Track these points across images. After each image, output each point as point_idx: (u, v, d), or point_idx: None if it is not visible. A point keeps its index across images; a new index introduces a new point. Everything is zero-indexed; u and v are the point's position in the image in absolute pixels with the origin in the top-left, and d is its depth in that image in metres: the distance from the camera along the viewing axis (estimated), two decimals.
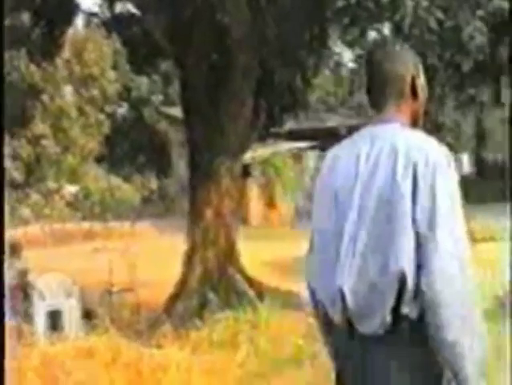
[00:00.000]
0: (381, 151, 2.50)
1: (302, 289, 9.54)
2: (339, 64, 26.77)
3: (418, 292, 2.35)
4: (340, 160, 2.62)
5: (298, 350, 6.36)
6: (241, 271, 9.28)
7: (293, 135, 23.37)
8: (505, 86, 20.34)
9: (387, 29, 10.20)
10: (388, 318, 2.41)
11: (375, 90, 2.66)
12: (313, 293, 2.67)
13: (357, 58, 25.05)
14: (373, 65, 2.66)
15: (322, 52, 11.28)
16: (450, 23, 8.55)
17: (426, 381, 2.42)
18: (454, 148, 29.70)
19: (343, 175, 2.56)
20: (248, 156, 17.67)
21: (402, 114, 2.63)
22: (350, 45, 16.88)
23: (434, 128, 27.49)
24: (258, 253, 13.51)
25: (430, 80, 3.26)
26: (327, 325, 2.64)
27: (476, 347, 2.33)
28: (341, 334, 2.54)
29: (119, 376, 5.76)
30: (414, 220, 2.37)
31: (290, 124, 12.81)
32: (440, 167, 2.42)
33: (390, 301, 2.39)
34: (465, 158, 35.16)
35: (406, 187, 2.40)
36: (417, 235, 2.36)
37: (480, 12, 9.29)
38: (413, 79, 2.65)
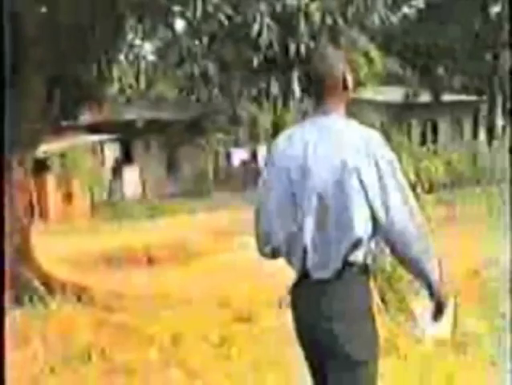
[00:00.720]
0: (327, 138, 3.13)
1: (95, 284, 9.50)
2: (138, 57, 26.66)
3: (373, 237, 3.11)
4: (291, 145, 3.22)
5: (88, 346, 6.37)
6: (35, 267, 9.14)
7: (91, 128, 23.14)
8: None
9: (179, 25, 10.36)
10: (340, 266, 3.09)
11: (314, 88, 3.22)
12: (270, 245, 3.29)
13: (156, 51, 25.11)
14: (310, 67, 3.22)
15: (118, 45, 11.26)
16: (239, 19, 8.80)
17: (365, 313, 3.15)
18: (252, 141, 30.44)
19: (294, 158, 3.18)
20: (44, 150, 17.34)
21: (338, 106, 3.21)
22: (146, 38, 16.93)
23: (232, 121, 28.06)
24: (55, 248, 13.33)
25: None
26: None
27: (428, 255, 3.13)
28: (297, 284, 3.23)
29: None
30: (364, 187, 3.03)
31: (87, 117, 12.70)
32: (379, 144, 3.09)
33: (343, 253, 3.08)
34: (263, 150, 35.96)
35: (355, 164, 3.04)
36: (367, 197, 3.03)
37: (269, 8, 9.62)
38: (344, 75, 3.21)
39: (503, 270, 8.14)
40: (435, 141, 28.49)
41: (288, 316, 3.43)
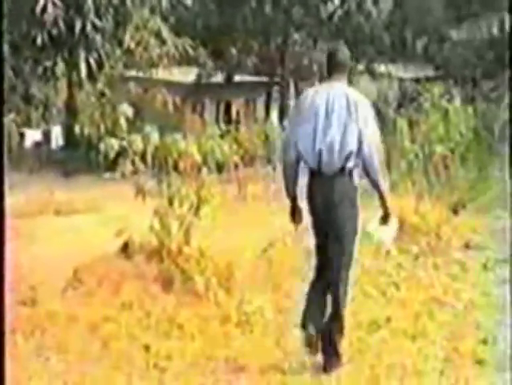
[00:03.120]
0: (339, 91, 5.46)
1: None
2: None
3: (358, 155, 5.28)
4: (317, 94, 5.52)
5: None
6: None
7: None
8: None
9: None
10: (340, 167, 5.29)
11: (329, 66, 5.62)
12: (297, 154, 5.45)
13: None
14: (330, 53, 5.71)
15: None
16: None
17: (353, 200, 5.37)
18: (45, 120, 29.57)
19: (320, 103, 5.41)
20: None
21: (342, 76, 5.61)
22: None
23: (25, 101, 27.06)
24: None
25: None
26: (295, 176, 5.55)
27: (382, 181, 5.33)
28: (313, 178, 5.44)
29: None
30: (357, 133, 5.27)
31: None
32: (370, 109, 5.45)
33: (342, 159, 5.28)
34: (57, 130, 35.05)
35: (352, 110, 5.31)
36: (359, 131, 5.27)
37: None
38: (344, 61, 5.68)
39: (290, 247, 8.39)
40: (229, 121, 28.85)
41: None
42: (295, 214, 5.63)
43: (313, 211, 5.50)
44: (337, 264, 5.36)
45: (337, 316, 5.39)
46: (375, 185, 5.34)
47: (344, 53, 5.69)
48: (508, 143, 11.81)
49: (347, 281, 5.42)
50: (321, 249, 5.50)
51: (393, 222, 5.77)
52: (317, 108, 5.41)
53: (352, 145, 5.27)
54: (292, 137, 5.52)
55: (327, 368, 5.30)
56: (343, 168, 5.30)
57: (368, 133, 5.28)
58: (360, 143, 5.26)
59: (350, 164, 5.29)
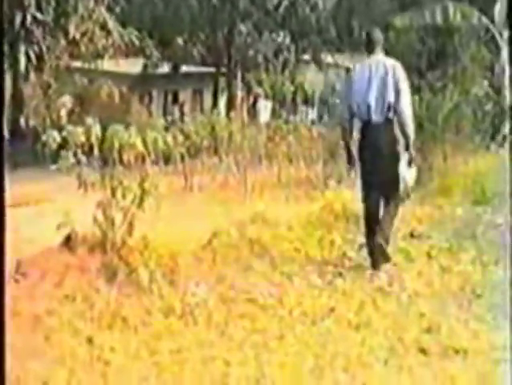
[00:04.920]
0: (381, 62, 7.68)
1: None
2: None
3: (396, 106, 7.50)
4: (362, 67, 7.76)
5: None
6: None
7: None
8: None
9: None
10: (384, 115, 7.51)
11: (370, 44, 7.80)
12: (351, 111, 7.71)
13: None
14: (367, 34, 7.94)
15: None
16: None
17: (394, 146, 7.56)
18: None
19: (366, 72, 7.65)
20: None
21: (379, 51, 7.79)
22: None
23: None
24: None
25: None
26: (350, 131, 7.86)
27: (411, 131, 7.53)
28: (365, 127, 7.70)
29: None
30: (394, 88, 7.48)
31: None
32: (400, 73, 7.59)
33: (385, 109, 7.49)
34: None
35: (389, 73, 7.53)
36: (395, 88, 7.48)
37: None
38: (379, 39, 7.90)
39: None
40: (179, 112, 28.70)
41: None
42: (351, 159, 7.85)
43: (362, 158, 7.69)
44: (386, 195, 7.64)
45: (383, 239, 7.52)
46: (404, 133, 7.46)
47: (377, 33, 7.93)
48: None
49: (394, 216, 7.73)
50: (368, 193, 7.71)
51: (414, 166, 7.62)
52: (363, 76, 7.63)
53: (391, 97, 7.47)
54: (346, 101, 7.81)
55: (375, 266, 7.54)
56: (386, 119, 7.50)
57: (403, 88, 7.53)
58: (397, 95, 7.46)
59: (390, 115, 7.49)
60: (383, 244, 7.50)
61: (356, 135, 7.87)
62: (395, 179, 7.50)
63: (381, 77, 7.53)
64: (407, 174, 7.59)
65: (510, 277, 6.42)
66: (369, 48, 7.77)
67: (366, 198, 7.75)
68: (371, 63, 7.66)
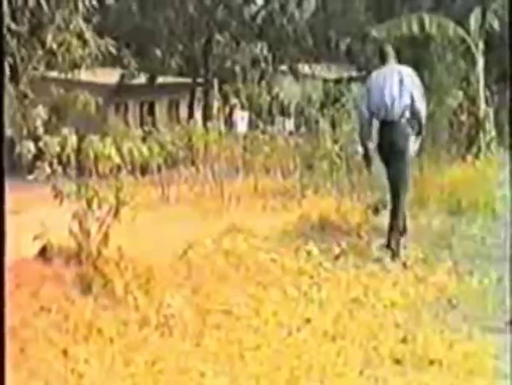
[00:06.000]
0: (395, 70, 9.00)
1: None
2: None
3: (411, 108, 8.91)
4: (379, 74, 9.08)
5: None
6: None
7: None
8: None
9: None
10: (400, 115, 8.84)
11: (383, 55, 9.15)
12: (371, 113, 9.00)
13: None
14: (380, 49, 9.50)
15: None
16: None
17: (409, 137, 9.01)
18: None
19: (383, 78, 8.95)
20: None
21: (392, 61, 9.13)
22: None
23: None
24: None
25: None
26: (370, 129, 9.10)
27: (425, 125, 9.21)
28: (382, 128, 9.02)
29: None
30: (408, 85, 8.88)
31: None
32: (414, 78, 9.00)
33: (401, 109, 8.83)
34: None
35: (405, 80, 8.88)
36: (410, 93, 8.86)
37: None
38: (391, 51, 9.24)
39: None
40: (153, 123, 28.62)
41: None
42: (368, 158, 9.25)
43: (381, 150, 9.01)
44: (397, 186, 8.95)
45: (396, 222, 8.91)
46: (420, 127, 8.98)
47: (388, 46, 9.38)
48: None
49: (405, 199, 9.07)
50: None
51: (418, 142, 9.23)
52: (380, 82, 8.91)
53: (407, 100, 8.77)
54: (365, 105, 9.00)
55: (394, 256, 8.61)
56: (401, 117, 8.80)
57: (416, 94, 8.85)
58: (412, 99, 8.77)
59: (407, 114, 8.82)
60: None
61: (375, 134, 9.05)
62: (405, 171, 9.02)
63: (397, 84, 8.80)
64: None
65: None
66: (382, 60, 9.12)
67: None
68: (386, 71, 8.99)
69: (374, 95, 8.89)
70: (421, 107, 8.91)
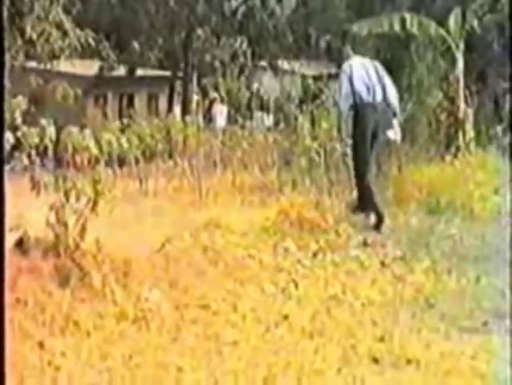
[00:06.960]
0: (368, 63, 10.21)
1: None
2: None
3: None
4: (355, 63, 10.09)
5: None
6: None
7: None
8: None
9: None
10: (382, 96, 9.97)
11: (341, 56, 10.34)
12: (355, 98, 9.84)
13: None
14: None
15: None
16: None
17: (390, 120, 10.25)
18: None
19: (364, 69, 10.02)
20: None
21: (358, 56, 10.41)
22: None
23: None
24: None
25: None
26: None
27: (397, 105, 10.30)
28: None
29: None
30: (378, 78, 10.03)
31: None
32: (383, 68, 10.19)
33: (382, 91, 10.00)
34: None
35: (379, 71, 10.09)
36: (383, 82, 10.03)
37: None
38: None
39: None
40: (132, 116, 28.48)
41: None
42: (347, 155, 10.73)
43: (364, 129, 9.77)
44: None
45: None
46: (393, 108, 9.95)
47: (347, 48, 10.43)
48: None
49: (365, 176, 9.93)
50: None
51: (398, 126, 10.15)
52: (360, 68, 9.90)
53: (384, 85, 9.83)
54: (349, 91, 9.76)
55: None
56: (384, 100, 9.82)
57: (387, 80, 9.98)
58: (382, 82, 9.85)
59: (378, 98, 9.78)
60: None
61: (351, 113, 9.85)
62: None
63: (374, 73, 9.92)
64: (393, 134, 10.14)
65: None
66: (341, 59, 10.27)
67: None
68: (360, 60, 10.19)
69: (358, 83, 9.81)
70: (394, 91, 10.03)
